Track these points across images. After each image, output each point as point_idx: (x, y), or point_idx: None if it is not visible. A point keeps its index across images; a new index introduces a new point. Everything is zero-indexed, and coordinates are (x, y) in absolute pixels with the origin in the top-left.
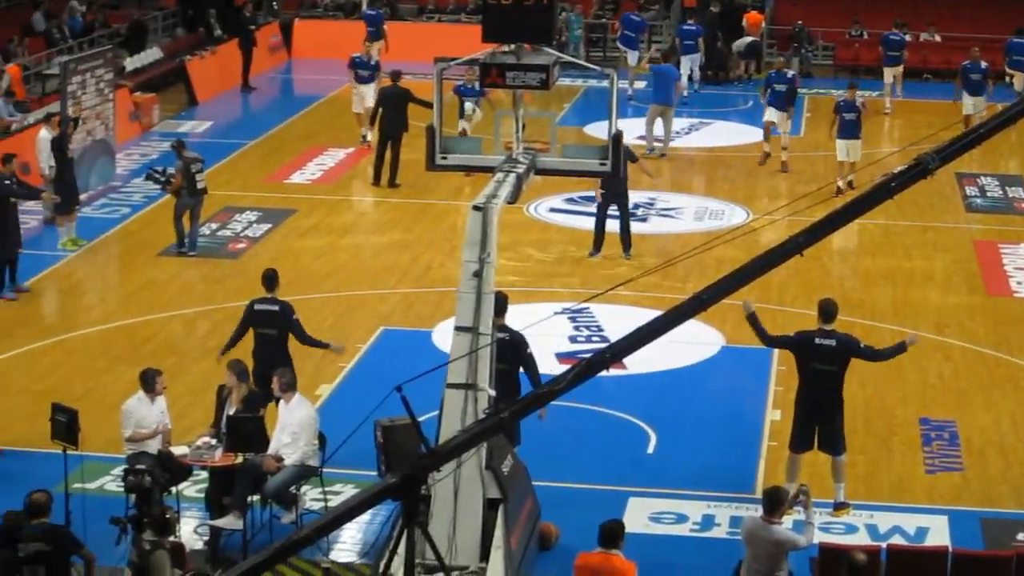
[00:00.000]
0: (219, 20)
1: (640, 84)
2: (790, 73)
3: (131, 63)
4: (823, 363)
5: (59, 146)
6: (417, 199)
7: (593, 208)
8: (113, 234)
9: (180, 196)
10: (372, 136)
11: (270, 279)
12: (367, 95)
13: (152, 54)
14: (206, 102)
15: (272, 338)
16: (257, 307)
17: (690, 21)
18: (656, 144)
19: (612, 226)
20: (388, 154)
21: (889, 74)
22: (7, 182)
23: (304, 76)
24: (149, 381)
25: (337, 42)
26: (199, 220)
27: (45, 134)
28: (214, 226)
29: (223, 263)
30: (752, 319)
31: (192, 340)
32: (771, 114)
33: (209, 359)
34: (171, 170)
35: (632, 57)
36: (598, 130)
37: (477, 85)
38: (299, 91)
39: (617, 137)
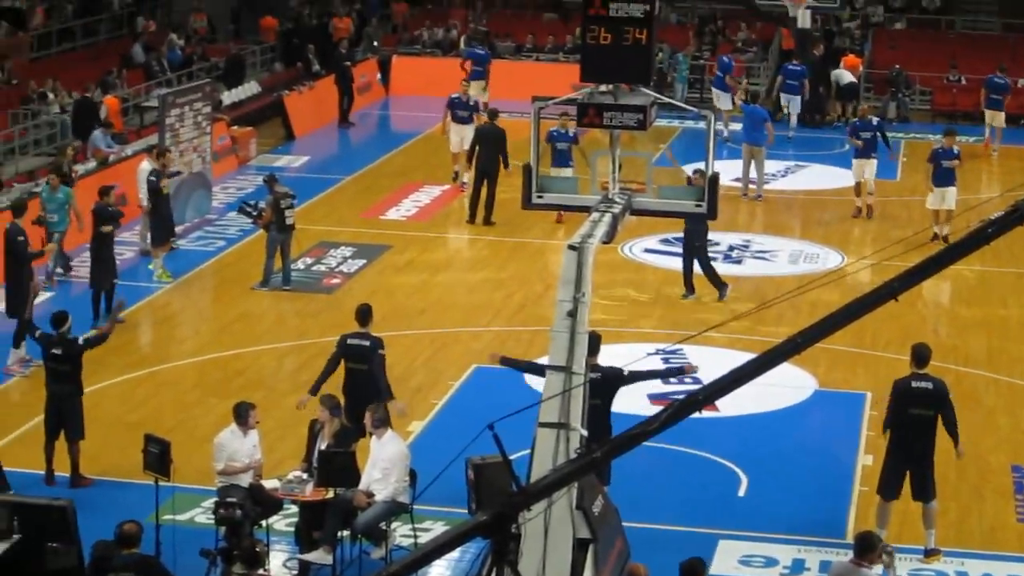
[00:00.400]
0: (317, 55)
1: (736, 126)
2: (875, 120)
3: (229, 97)
4: (920, 407)
5: (156, 179)
6: (512, 237)
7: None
8: (208, 267)
9: (269, 231)
10: (467, 175)
11: (363, 314)
12: (466, 135)
13: (250, 88)
14: (303, 137)
15: (364, 373)
16: (349, 342)
17: (795, 61)
18: (751, 186)
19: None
20: (484, 192)
21: (990, 117)
22: (110, 208)
23: (401, 113)
24: (242, 414)
25: (435, 79)
26: (290, 255)
27: (146, 165)
28: (309, 261)
29: (317, 298)
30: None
31: (285, 374)
32: (857, 167)
33: (301, 393)
34: (262, 204)
35: (724, 99)
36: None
37: (570, 131)
38: (396, 127)
39: (714, 179)
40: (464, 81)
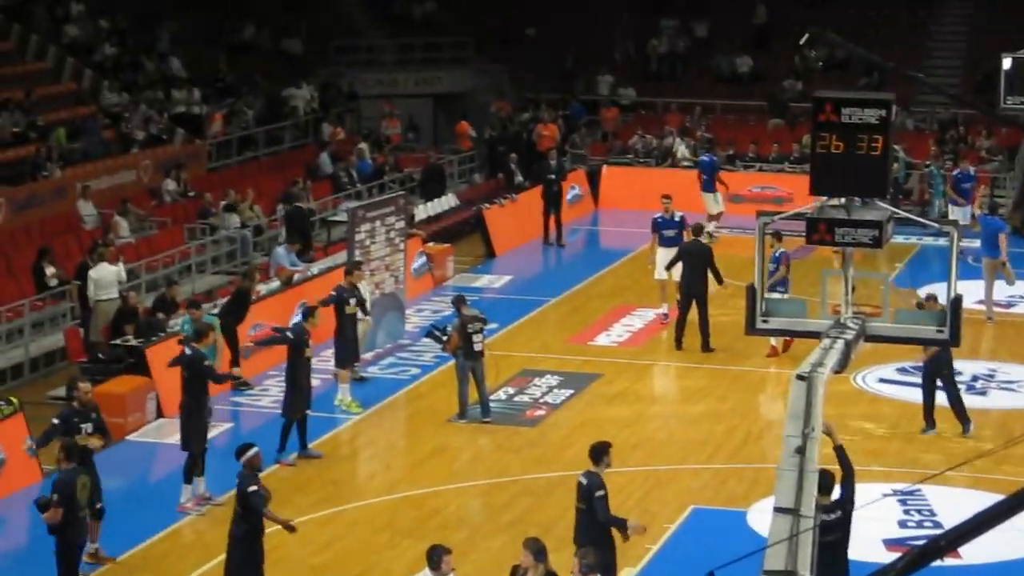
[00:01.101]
0: (520, 166)
1: (970, 242)
2: None
3: (424, 211)
4: None
5: (339, 299)
6: (732, 365)
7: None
8: (400, 396)
9: (457, 358)
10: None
11: (594, 452)
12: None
13: (447, 201)
14: (505, 254)
15: (584, 512)
16: (579, 478)
17: None
18: (996, 309)
19: (944, 399)
20: (693, 315)
21: None
22: (288, 333)
23: (611, 228)
24: (435, 559)
25: (649, 191)
26: (485, 383)
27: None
28: (511, 391)
29: (520, 431)
30: None
31: (484, 515)
32: None
33: (503, 535)
34: (450, 328)
35: (958, 212)
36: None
37: (777, 252)
38: (605, 244)
39: (957, 302)
40: (665, 198)
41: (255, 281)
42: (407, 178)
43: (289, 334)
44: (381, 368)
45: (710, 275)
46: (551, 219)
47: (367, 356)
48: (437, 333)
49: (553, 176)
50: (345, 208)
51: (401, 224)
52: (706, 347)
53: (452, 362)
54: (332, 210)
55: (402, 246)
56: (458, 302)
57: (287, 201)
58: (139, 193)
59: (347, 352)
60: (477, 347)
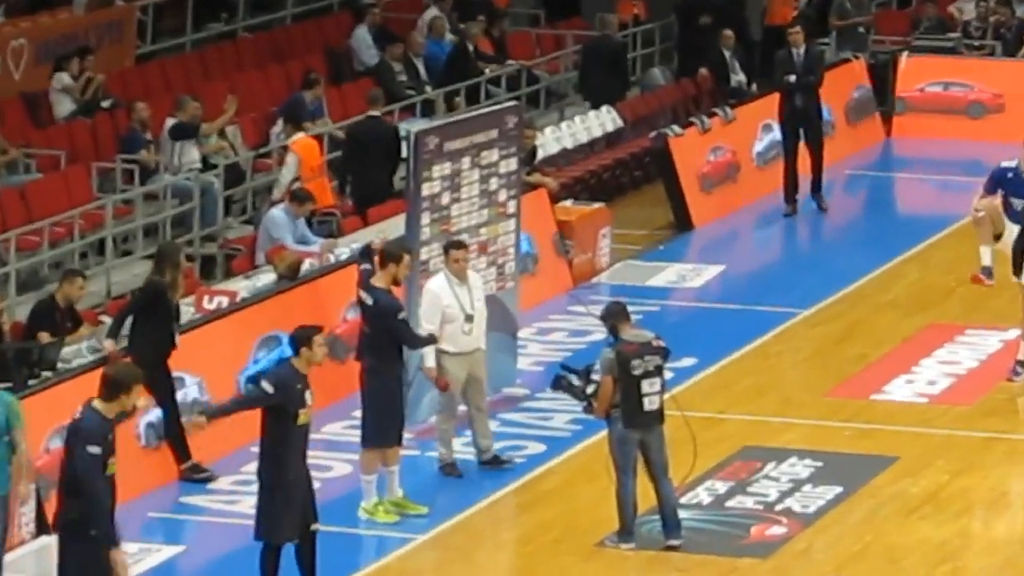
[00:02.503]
0: (740, 54)
1: None
2: None
3: (553, 137)
4: None
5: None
6: None
7: None
8: (508, 496)
9: (613, 424)
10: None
11: None
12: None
13: (598, 121)
14: (708, 224)
15: None
16: None
17: None
18: None
19: None
20: None
21: None
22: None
23: (916, 176)
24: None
25: None
26: (667, 474)
27: (440, 283)
28: (719, 487)
29: (739, 566)
30: None
31: None
32: None
33: None
34: (596, 370)
35: None
36: None
37: None
38: (903, 207)
39: None
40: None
41: (180, 271)
42: (523, 75)
43: (267, 386)
44: (469, 444)
45: None
46: (797, 157)
47: (432, 419)
48: (571, 379)
49: (795, 76)
50: (403, 131)
51: (512, 163)
52: None
53: (604, 432)
54: None
55: (513, 207)
56: (616, 318)
57: (293, 120)
58: (6, 101)
59: (383, 414)
60: (651, 405)
